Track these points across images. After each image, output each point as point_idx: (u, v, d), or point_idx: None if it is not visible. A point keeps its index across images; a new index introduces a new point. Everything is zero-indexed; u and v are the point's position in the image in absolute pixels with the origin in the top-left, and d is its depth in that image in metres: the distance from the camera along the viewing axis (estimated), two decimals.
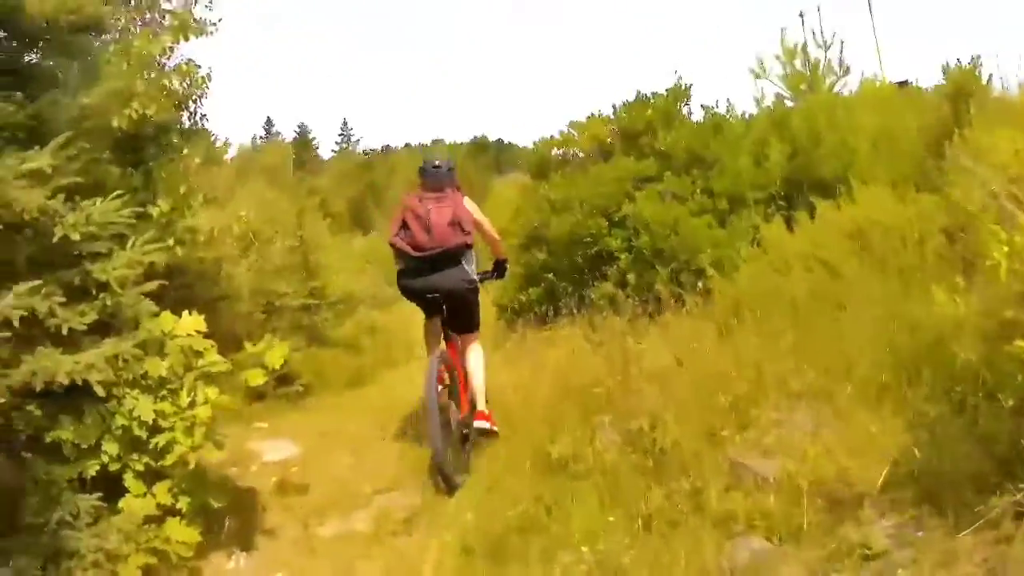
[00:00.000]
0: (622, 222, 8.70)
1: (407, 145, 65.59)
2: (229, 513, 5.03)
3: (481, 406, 6.23)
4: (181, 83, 7.90)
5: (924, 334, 4.73)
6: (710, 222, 8.08)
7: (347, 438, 7.29)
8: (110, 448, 4.56)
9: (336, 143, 74.20)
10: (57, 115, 4.83)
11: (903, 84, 10.34)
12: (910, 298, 5.18)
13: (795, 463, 4.50)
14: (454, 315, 6.33)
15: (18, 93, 4.78)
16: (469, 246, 6.15)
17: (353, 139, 74.99)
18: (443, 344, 6.44)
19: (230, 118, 19.15)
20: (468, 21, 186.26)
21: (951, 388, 4.23)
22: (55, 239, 4.41)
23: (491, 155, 63.50)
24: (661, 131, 9.12)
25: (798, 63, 9.73)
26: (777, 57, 9.75)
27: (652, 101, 9.56)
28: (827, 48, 9.74)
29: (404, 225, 6.05)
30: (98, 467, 4.54)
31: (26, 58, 5.10)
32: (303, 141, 55.59)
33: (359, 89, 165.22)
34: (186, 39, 7.21)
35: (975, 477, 3.58)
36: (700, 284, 7.54)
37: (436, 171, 6.30)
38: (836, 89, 9.59)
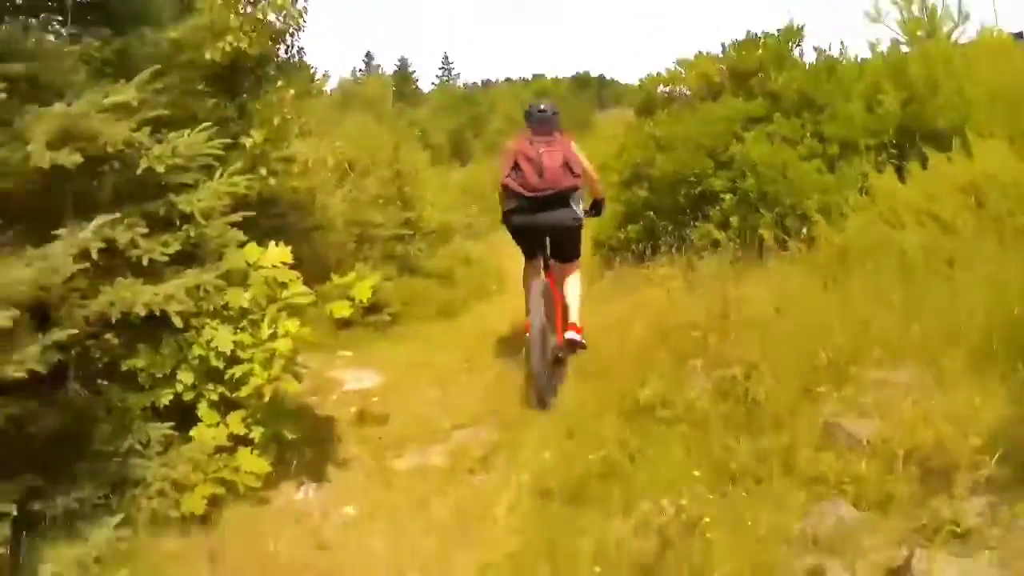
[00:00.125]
0: (728, 163, 8.49)
1: (508, 79, 65.78)
2: (304, 443, 4.99)
3: (574, 319, 6.54)
4: (277, 17, 7.88)
5: None
6: (819, 167, 7.77)
7: (432, 370, 7.25)
8: (185, 377, 4.57)
9: (437, 77, 74.62)
10: (145, 49, 4.80)
11: (1019, 36, 9.70)
12: None
13: (891, 427, 4.27)
14: (559, 247, 6.65)
15: (105, 29, 4.79)
16: (578, 188, 6.42)
17: (454, 73, 75.66)
18: (542, 275, 6.61)
19: (330, 52, 19.19)
20: None
21: None
22: (139, 171, 4.38)
23: (593, 91, 63.54)
24: (772, 71, 8.83)
25: (915, 8, 9.21)
26: (894, 1, 9.27)
27: (763, 41, 9.31)
28: None
29: (516, 167, 6.27)
30: (172, 396, 4.56)
31: None
32: (403, 75, 55.86)
33: (460, 23, 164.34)
34: None
35: None
36: (805, 231, 7.32)
37: (542, 115, 6.51)
38: (954, 37, 9.04)
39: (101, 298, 4.19)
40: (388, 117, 18.15)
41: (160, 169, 4.45)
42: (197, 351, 4.57)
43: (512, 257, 7.91)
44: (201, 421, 4.64)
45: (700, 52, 9.90)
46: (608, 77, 72.50)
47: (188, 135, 4.65)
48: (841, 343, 5.12)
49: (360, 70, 55.86)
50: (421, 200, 12.38)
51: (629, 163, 9.85)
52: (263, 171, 7.28)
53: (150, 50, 4.91)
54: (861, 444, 4.32)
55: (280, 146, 7.70)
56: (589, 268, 9.24)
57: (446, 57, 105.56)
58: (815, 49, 9.19)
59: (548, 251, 6.67)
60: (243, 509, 4.46)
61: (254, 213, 5.20)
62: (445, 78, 73.26)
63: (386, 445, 5.48)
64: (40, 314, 4.00)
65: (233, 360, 4.62)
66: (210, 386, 4.67)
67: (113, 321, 4.22)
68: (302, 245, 8.48)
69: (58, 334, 3.86)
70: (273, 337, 4.64)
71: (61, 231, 4.07)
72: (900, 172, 7.08)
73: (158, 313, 4.25)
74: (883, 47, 9.36)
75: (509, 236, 6.84)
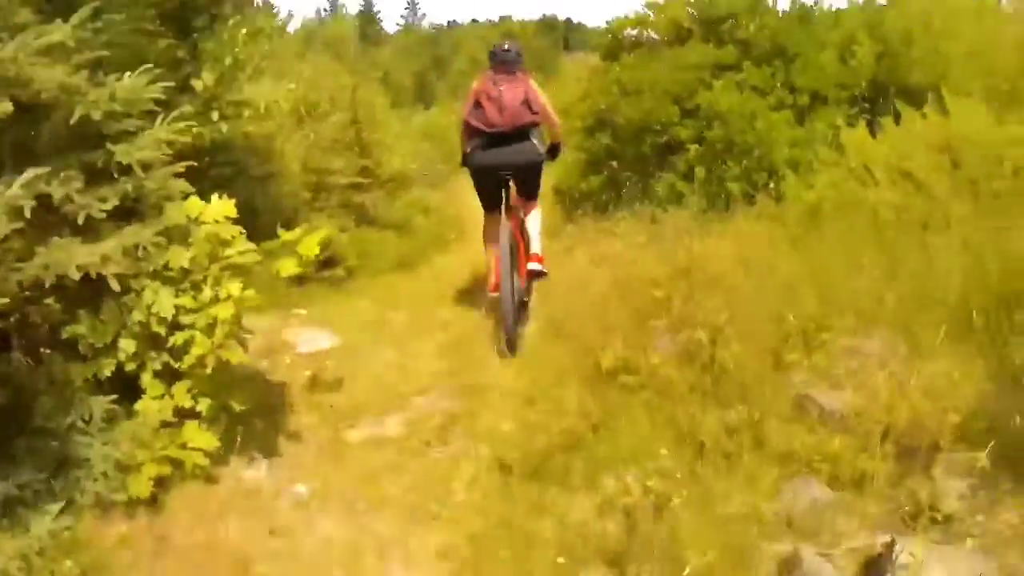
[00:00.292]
0: (695, 112, 8.36)
1: (474, 21, 64.92)
2: (255, 414, 4.73)
3: (536, 250, 6.68)
4: None
5: (1020, 265, 4.31)
6: (789, 118, 7.69)
7: (389, 329, 7.01)
8: (127, 346, 4.23)
9: (401, 17, 73.56)
10: None
11: None
12: (1005, 227, 4.73)
13: (865, 400, 4.17)
14: (521, 184, 6.73)
15: None
16: (537, 124, 6.52)
17: (419, 14, 74.48)
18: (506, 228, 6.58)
19: None
20: None
21: None
22: (75, 119, 4.01)
23: (559, 34, 63.24)
24: (744, 18, 8.65)
25: None
26: None
27: None
28: None
29: (477, 104, 6.41)
30: (114, 366, 4.23)
31: None
32: (368, 16, 54.68)
33: None
34: None
35: None
36: (773, 185, 7.16)
37: (506, 54, 6.60)
38: None
39: (36, 260, 3.83)
40: (351, 59, 17.54)
41: (96, 116, 4.04)
42: (137, 316, 4.21)
43: (471, 206, 7.72)
44: (145, 393, 4.33)
45: None
46: (575, 21, 72.31)
47: (129, 78, 4.26)
48: (811, 308, 5.00)
49: (325, 10, 54.76)
50: (380, 146, 11.99)
51: (593, 109, 9.68)
52: (215, 116, 6.91)
53: None
54: (834, 418, 4.23)
55: (232, 88, 7.28)
56: (552, 221, 9.03)
57: None
58: None
59: (510, 190, 6.75)
60: (192, 489, 4.21)
61: (196, 163, 4.81)
62: (410, 19, 72.09)
63: (341, 414, 5.23)
64: None
65: (175, 326, 4.28)
66: (153, 354, 4.33)
67: (47, 285, 3.87)
68: (256, 194, 8.17)
69: None
70: (215, 301, 4.32)
71: None
72: (872, 127, 6.99)
73: (94, 276, 3.93)
74: None
75: (469, 183, 6.86)
